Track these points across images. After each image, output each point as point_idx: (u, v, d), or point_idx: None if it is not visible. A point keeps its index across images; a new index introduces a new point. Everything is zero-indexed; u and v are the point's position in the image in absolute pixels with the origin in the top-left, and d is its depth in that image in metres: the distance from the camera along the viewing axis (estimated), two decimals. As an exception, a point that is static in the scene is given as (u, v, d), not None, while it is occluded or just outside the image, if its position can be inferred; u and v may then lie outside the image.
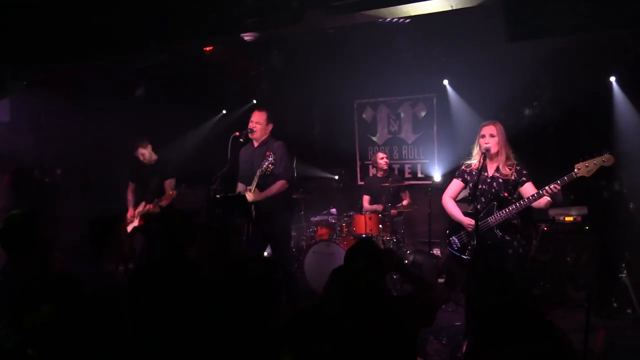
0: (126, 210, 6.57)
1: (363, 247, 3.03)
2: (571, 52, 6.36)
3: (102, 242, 3.52)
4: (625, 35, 5.86)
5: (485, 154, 4.52)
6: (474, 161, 4.71)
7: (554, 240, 6.13)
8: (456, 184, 4.86)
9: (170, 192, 6.15)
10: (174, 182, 6.38)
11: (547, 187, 4.22)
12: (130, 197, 6.60)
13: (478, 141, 4.63)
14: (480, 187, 4.57)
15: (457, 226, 4.81)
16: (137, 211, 6.40)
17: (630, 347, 4.88)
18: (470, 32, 6.33)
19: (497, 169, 4.61)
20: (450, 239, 4.86)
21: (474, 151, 4.75)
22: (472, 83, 7.42)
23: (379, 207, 7.13)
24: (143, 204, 6.38)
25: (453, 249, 4.85)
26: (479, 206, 4.46)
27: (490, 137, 4.56)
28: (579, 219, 6.03)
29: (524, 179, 4.54)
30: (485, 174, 4.63)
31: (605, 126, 6.38)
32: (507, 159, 4.60)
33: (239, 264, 2.46)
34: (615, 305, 5.79)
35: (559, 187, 4.18)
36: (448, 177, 7.40)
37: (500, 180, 4.57)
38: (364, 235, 6.63)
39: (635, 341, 5.07)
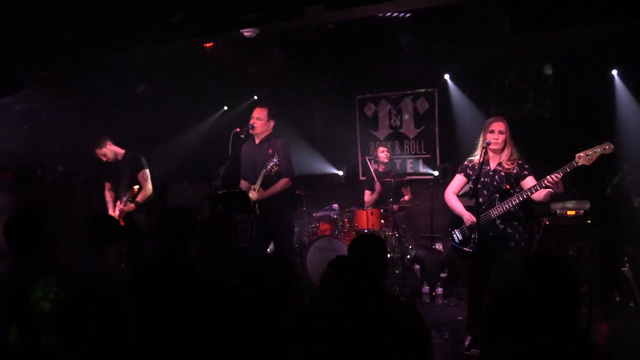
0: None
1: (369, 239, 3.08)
2: (573, 45, 6.34)
3: (104, 238, 3.54)
4: (628, 28, 5.83)
5: (486, 148, 4.53)
6: (477, 157, 4.72)
7: (557, 234, 6.11)
8: (459, 179, 4.88)
9: (134, 188, 5.75)
10: (147, 173, 5.91)
11: (548, 177, 4.23)
12: (108, 197, 6.17)
13: (485, 136, 4.62)
14: (482, 180, 4.60)
15: (459, 220, 4.83)
16: (116, 213, 5.94)
17: (633, 341, 4.87)
18: (471, 26, 6.31)
19: (500, 164, 4.66)
20: (452, 232, 4.87)
21: (478, 146, 4.75)
22: (474, 77, 7.40)
23: (374, 196, 7.15)
24: (119, 203, 5.91)
25: (455, 242, 4.87)
26: (481, 199, 4.49)
27: (500, 133, 4.59)
28: (581, 213, 6.01)
29: (525, 172, 4.58)
30: (487, 167, 4.66)
31: (607, 120, 6.36)
32: (511, 154, 4.65)
33: (256, 267, 2.46)
34: (617, 299, 5.79)
35: (559, 176, 4.19)
36: (448, 171, 7.43)
37: (503, 174, 4.61)
38: (366, 231, 6.62)
39: (638, 334, 5.06)
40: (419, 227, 7.74)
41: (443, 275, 6.64)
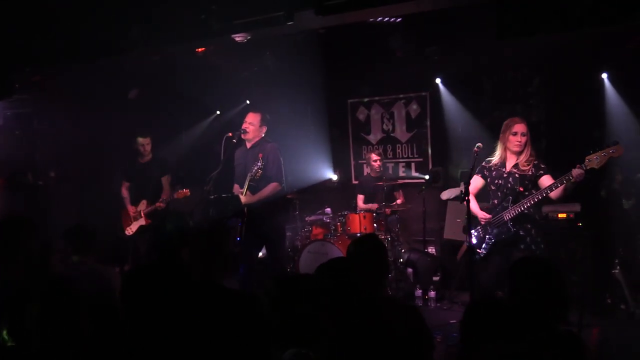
0: (120, 210, 6.59)
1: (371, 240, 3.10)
2: (563, 49, 6.38)
3: (82, 247, 3.55)
4: (617, 32, 5.88)
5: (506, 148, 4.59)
6: (495, 158, 4.72)
7: (548, 237, 6.13)
8: (476, 180, 4.82)
9: (184, 191, 6.21)
10: (170, 179, 6.44)
11: (573, 170, 4.15)
12: (125, 194, 6.60)
13: (508, 137, 4.61)
14: (496, 182, 4.64)
15: (475, 220, 4.79)
16: (140, 210, 6.39)
17: (623, 343, 4.90)
18: (462, 31, 6.34)
19: (516, 165, 4.64)
20: (470, 232, 4.73)
21: (497, 147, 4.74)
22: (465, 81, 7.44)
23: (373, 206, 7.15)
24: (144, 202, 6.37)
25: (471, 242, 4.74)
26: (495, 201, 4.55)
27: (522, 135, 4.57)
28: (572, 215, 6.03)
29: (541, 172, 4.55)
30: (504, 169, 4.67)
31: (597, 123, 6.40)
32: (530, 155, 4.61)
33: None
34: (609, 301, 5.81)
35: (582, 172, 4.12)
36: (440, 174, 7.48)
37: (517, 176, 4.60)
38: (358, 234, 6.63)
39: (629, 337, 5.09)
40: (412, 231, 7.76)
41: (436, 278, 6.65)
